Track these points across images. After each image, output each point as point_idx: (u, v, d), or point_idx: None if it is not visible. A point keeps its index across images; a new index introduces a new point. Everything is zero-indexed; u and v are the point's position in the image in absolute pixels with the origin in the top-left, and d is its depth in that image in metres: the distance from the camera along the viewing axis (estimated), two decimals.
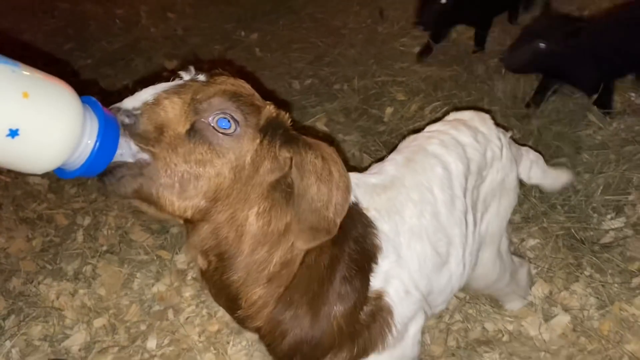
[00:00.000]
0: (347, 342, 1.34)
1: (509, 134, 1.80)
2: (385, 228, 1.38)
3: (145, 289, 2.37)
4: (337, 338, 1.32)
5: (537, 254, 2.24)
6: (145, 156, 1.00)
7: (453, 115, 1.76)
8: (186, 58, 4.07)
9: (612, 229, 2.28)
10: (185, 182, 1.03)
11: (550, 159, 2.59)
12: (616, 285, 2.07)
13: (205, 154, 1.04)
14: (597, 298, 2.04)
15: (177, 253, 2.46)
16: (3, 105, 0.81)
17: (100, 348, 2.17)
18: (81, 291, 2.38)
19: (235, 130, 1.06)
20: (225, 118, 1.05)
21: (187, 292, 2.30)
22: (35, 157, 0.87)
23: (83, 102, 0.93)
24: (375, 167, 1.57)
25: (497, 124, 1.77)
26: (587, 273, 2.13)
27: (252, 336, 2.07)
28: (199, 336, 2.12)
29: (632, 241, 2.21)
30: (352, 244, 1.30)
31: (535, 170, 1.90)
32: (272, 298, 1.23)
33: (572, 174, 2.10)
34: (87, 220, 2.72)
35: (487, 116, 1.74)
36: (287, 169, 1.13)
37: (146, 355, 2.09)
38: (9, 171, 3.04)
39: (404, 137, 1.71)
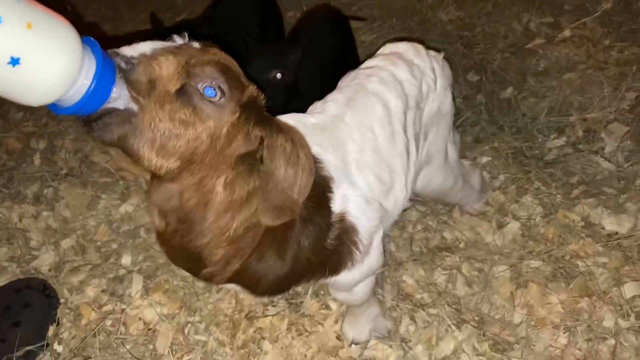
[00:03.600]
0: (319, 269, 1.47)
1: (441, 55, 1.91)
2: (332, 159, 1.46)
3: (112, 209, 2.36)
4: (308, 269, 1.44)
5: (490, 171, 2.43)
6: (134, 106, 1.01)
7: (389, 48, 1.84)
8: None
9: (555, 147, 2.50)
10: (166, 139, 1.06)
11: (498, 87, 2.77)
12: (559, 195, 2.29)
13: (188, 115, 1.07)
14: (543, 207, 2.26)
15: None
16: (6, 33, 0.82)
17: (71, 267, 2.17)
18: (44, 213, 2.35)
19: (219, 100, 1.10)
20: (212, 87, 1.08)
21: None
22: (32, 88, 0.89)
23: (83, 42, 0.94)
24: (318, 106, 1.63)
25: (429, 47, 1.88)
26: (535, 186, 2.34)
27: None
28: None
29: (572, 158, 2.43)
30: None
31: None
32: (235, 257, 1.30)
33: None
34: (42, 144, 2.64)
35: (420, 47, 1.84)
36: (257, 145, 1.19)
37: (122, 272, 2.13)
38: None
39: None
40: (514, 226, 2.21)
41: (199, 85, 1.07)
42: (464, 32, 3.07)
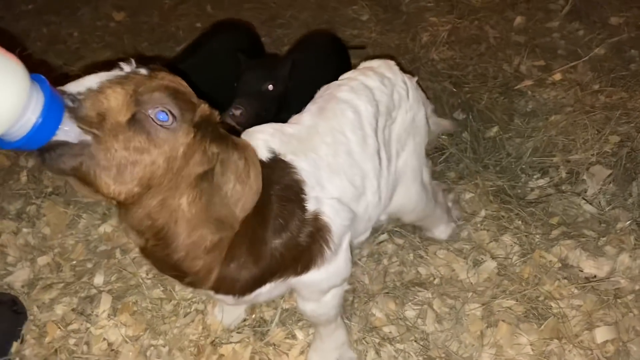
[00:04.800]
0: (292, 264, 1.48)
1: (415, 79, 1.98)
2: (304, 165, 1.50)
3: (91, 229, 2.38)
4: (281, 264, 1.46)
5: (472, 207, 2.42)
6: (87, 138, 1.04)
7: (363, 64, 1.92)
8: (134, 9, 4.01)
9: (537, 187, 2.49)
10: (123, 167, 1.08)
11: (484, 125, 2.78)
12: (538, 236, 2.27)
13: (143, 142, 1.10)
14: (521, 247, 2.24)
15: None
16: None
17: (44, 284, 2.17)
18: (25, 230, 2.37)
19: (172, 124, 1.13)
20: (164, 112, 1.11)
21: None
22: None
23: (32, 78, 0.96)
24: (295, 118, 1.68)
25: (403, 70, 1.93)
26: (514, 225, 2.32)
27: None
28: (147, 274, 2.17)
29: (554, 199, 2.42)
30: (275, 187, 1.42)
31: (432, 120, 2.18)
32: (215, 263, 1.34)
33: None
34: (30, 163, 2.68)
35: (392, 63, 1.90)
36: (214, 163, 1.21)
37: (93, 291, 2.12)
38: None
39: None
40: (490, 265, 2.18)
41: (150, 112, 1.10)
42: (454, 71, 3.11)
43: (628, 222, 2.28)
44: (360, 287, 2.13)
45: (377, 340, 1.94)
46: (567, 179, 2.50)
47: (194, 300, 2.09)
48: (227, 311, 2.01)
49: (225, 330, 1.99)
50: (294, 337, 1.97)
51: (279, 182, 1.44)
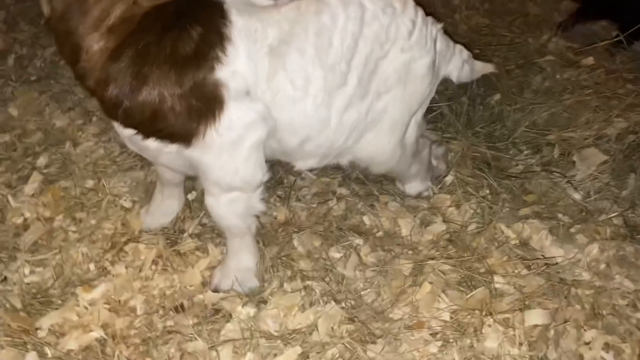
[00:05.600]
0: (168, 113, 1.36)
1: (440, 26, 1.77)
2: (241, 25, 1.38)
3: (54, 118, 2.36)
4: (158, 110, 1.35)
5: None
6: None
7: None
8: None
9: (523, 163, 2.24)
10: None
11: (486, 91, 2.55)
12: (505, 210, 2.04)
13: None
14: (482, 217, 2.02)
15: None
16: None
17: None
18: None
19: None
20: None
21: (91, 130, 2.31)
22: None
23: None
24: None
25: (428, 14, 1.73)
26: (482, 194, 2.10)
27: (135, 176, 2.10)
28: (85, 166, 2.14)
29: (537, 177, 2.17)
30: (195, 24, 1.33)
31: (466, 70, 1.93)
32: (108, 51, 1.29)
33: (494, 66, 2.18)
34: (24, 49, 2.72)
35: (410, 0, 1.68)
36: None
37: (32, 171, 2.10)
38: None
39: None
40: (439, 227, 1.98)
41: None
42: (473, 34, 2.87)
43: (613, 214, 2.00)
44: (294, 221, 1.99)
45: (288, 273, 1.80)
46: (559, 159, 2.23)
47: (124, 197, 2.03)
48: (152, 214, 1.94)
49: (143, 232, 1.92)
50: (204, 251, 1.86)
51: (200, 22, 1.35)
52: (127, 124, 1.41)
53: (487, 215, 2.01)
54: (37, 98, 2.45)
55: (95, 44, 1.29)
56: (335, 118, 1.60)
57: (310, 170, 2.13)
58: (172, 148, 1.46)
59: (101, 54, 1.30)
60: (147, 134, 1.42)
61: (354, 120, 1.64)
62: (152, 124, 1.37)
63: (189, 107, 1.36)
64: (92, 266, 1.81)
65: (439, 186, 2.14)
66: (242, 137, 1.44)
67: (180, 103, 1.35)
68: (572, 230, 1.97)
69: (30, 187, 2.01)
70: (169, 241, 1.88)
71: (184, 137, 1.40)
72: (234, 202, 1.58)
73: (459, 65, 1.93)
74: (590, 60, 2.75)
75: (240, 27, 1.38)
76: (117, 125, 1.46)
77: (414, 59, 1.67)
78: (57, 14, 1.27)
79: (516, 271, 1.82)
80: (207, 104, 1.37)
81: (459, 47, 1.94)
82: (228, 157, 1.45)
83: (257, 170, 1.53)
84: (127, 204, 2.01)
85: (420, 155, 2.03)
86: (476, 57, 2.64)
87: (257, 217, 1.74)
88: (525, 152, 2.30)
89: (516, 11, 3.14)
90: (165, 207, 1.94)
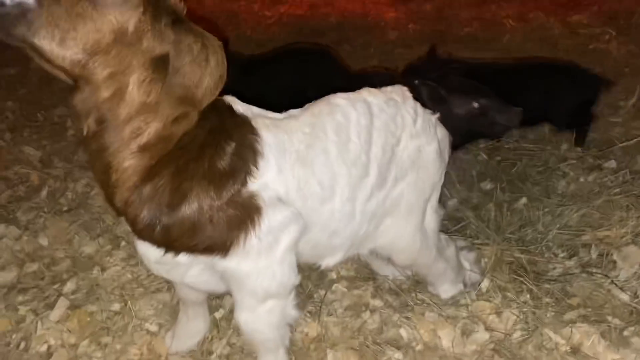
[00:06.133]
0: (207, 225, 1.35)
1: (436, 115, 1.82)
2: (270, 140, 1.43)
3: (82, 246, 2.37)
4: (196, 223, 1.34)
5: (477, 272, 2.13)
6: (30, 0, 1.10)
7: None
8: None
9: (560, 265, 2.16)
10: (64, 31, 1.13)
11: (511, 196, 2.53)
12: (550, 314, 1.93)
13: (85, 8, 1.14)
14: (526, 323, 1.90)
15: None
16: None
17: (21, 288, 2.17)
18: (25, 238, 2.42)
19: None
20: None
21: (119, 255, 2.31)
22: None
23: None
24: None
25: (423, 105, 1.79)
26: (523, 299, 2.00)
27: (161, 298, 2.06)
28: (112, 290, 2.11)
29: (578, 280, 2.07)
30: (228, 140, 1.37)
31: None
32: (140, 169, 1.29)
33: None
34: (57, 183, 2.82)
35: (405, 89, 1.77)
36: (169, 47, 1.22)
37: (58, 297, 2.07)
38: (5, 138, 3.26)
39: None
40: (482, 336, 1.87)
41: None
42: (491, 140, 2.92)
43: None
44: (327, 337, 1.89)
45: None
46: (598, 260, 2.15)
47: (150, 320, 1.96)
48: (178, 337, 1.86)
49: (169, 356, 1.83)
50: None
51: (234, 138, 1.39)
52: (162, 242, 1.38)
53: (531, 321, 1.90)
54: (67, 227, 2.49)
55: (127, 162, 1.28)
56: (359, 209, 1.61)
57: (340, 281, 2.06)
58: (203, 261, 1.44)
59: (133, 171, 1.29)
60: (181, 250, 1.40)
61: (375, 208, 1.66)
62: (190, 239, 1.36)
63: (228, 218, 1.36)
64: None
65: (476, 293, 2.05)
66: (278, 239, 1.44)
67: (219, 214, 1.35)
68: (626, 333, 1.84)
69: (55, 314, 1.97)
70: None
71: (223, 247, 1.39)
72: (271, 313, 1.53)
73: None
74: (612, 163, 2.76)
75: (270, 141, 1.43)
76: (143, 250, 1.45)
77: (423, 145, 1.72)
78: (90, 132, 1.27)
79: None
80: (245, 213, 1.38)
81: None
82: (265, 261, 1.43)
83: (291, 272, 1.51)
84: (153, 328, 1.94)
85: (446, 253, 1.99)
86: (496, 164, 2.69)
87: (290, 328, 1.66)
88: (561, 254, 2.23)
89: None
90: (191, 329, 1.87)
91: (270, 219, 1.40)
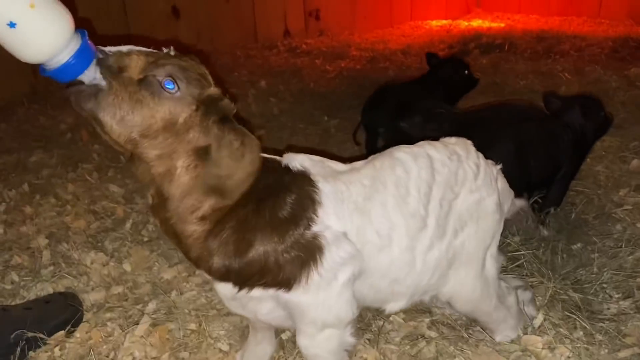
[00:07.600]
0: (273, 269, 1.52)
1: (499, 167, 1.94)
2: (328, 190, 1.58)
3: (161, 272, 2.62)
4: (262, 266, 1.51)
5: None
6: (104, 83, 1.33)
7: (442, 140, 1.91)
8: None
9: (615, 306, 2.20)
10: (124, 112, 1.34)
11: (568, 241, 2.61)
12: (602, 352, 1.98)
13: (145, 97, 1.35)
14: (579, 358, 1.96)
15: None
16: (11, 4, 1.18)
17: (108, 307, 2.42)
18: (111, 264, 2.69)
19: (176, 92, 1.37)
20: (171, 81, 1.36)
21: (195, 281, 2.53)
22: (22, 49, 1.24)
23: (77, 31, 1.29)
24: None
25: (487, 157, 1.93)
26: (576, 336, 2.06)
27: (232, 321, 2.24)
28: (189, 311, 2.31)
29: (633, 320, 2.12)
30: (289, 192, 1.54)
31: (513, 206, 2.06)
32: (205, 232, 1.48)
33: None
34: (140, 216, 3.11)
35: (469, 142, 1.88)
36: (213, 140, 1.42)
37: (141, 316, 2.30)
38: (93, 177, 3.61)
39: None
40: None
41: (159, 78, 1.36)
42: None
43: None
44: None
45: None
46: None
47: (222, 340, 2.15)
48: (247, 358, 2.03)
49: None
50: None
51: (294, 190, 1.55)
52: (235, 282, 1.56)
53: (584, 357, 1.96)
54: (148, 256, 2.74)
55: (190, 229, 1.47)
56: (419, 258, 1.71)
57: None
58: (270, 295, 1.59)
59: (198, 236, 1.47)
60: (252, 286, 1.56)
61: (437, 258, 1.74)
62: (259, 278, 1.53)
63: (292, 258, 1.52)
64: None
65: (528, 328, 2.12)
66: (337, 275, 1.57)
67: (284, 256, 1.51)
68: None
69: (140, 329, 2.18)
70: None
71: (287, 283, 1.54)
72: (328, 340, 1.65)
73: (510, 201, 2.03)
74: None
75: (328, 191, 1.58)
76: (220, 289, 1.63)
77: (483, 198, 1.80)
78: (154, 205, 1.48)
79: None
80: (308, 253, 1.53)
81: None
82: (324, 294, 1.56)
83: (348, 307, 1.62)
84: (225, 347, 2.12)
85: (507, 300, 2.04)
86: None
87: (348, 353, 1.78)
88: (616, 295, 2.27)
89: (585, 174, 3.29)
90: (259, 352, 2.02)
91: (332, 256, 1.54)
